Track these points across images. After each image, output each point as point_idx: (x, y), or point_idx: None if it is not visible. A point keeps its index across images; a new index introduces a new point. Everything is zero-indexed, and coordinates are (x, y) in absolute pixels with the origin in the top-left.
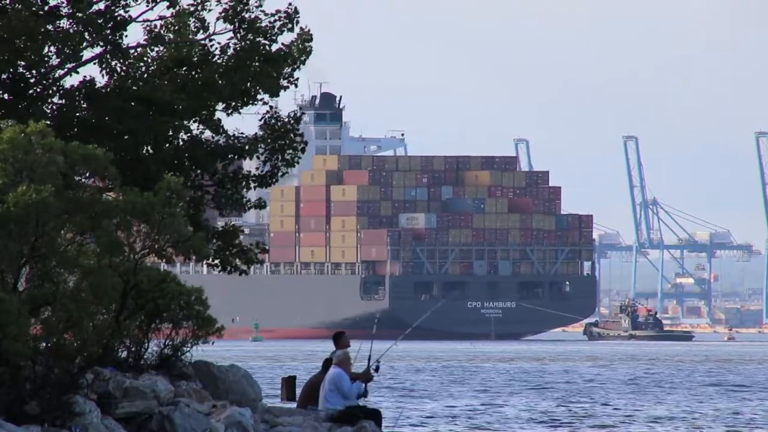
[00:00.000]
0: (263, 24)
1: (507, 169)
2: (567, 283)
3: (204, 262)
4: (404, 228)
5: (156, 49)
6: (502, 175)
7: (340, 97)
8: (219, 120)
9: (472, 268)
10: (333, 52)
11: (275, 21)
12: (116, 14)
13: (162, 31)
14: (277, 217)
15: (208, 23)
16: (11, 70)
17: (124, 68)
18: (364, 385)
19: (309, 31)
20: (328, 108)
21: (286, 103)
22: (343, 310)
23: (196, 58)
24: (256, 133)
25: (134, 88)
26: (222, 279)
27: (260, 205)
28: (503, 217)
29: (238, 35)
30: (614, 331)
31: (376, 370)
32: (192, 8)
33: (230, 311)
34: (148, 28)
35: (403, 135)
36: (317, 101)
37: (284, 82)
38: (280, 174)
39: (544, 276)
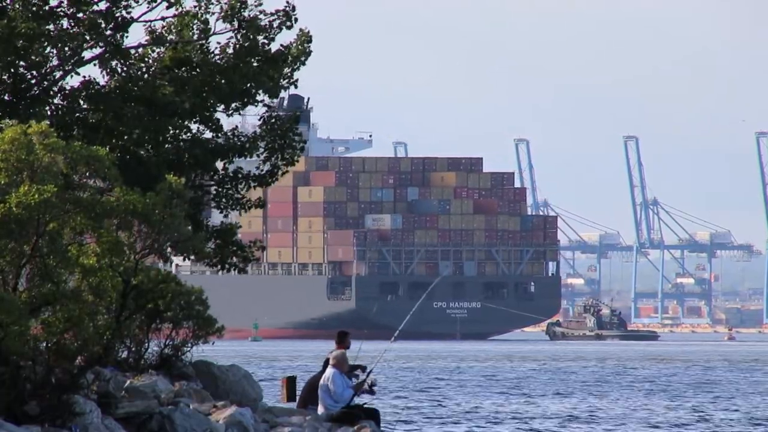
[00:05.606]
0: (262, 23)
1: (472, 171)
2: (532, 283)
3: (198, 261)
4: (370, 229)
5: (156, 50)
6: (467, 177)
7: (308, 98)
8: (218, 120)
9: (438, 269)
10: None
11: (274, 20)
12: (117, 15)
13: (164, 32)
14: (245, 217)
15: (210, 27)
16: (12, 70)
17: (124, 69)
18: (354, 392)
19: (308, 32)
20: (296, 109)
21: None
22: (310, 311)
23: (196, 58)
24: (255, 131)
25: (135, 88)
26: (192, 279)
27: (261, 203)
28: (468, 218)
29: (238, 35)
30: (579, 331)
31: (371, 391)
32: (194, 10)
33: None
34: (149, 29)
35: (371, 136)
36: (285, 102)
37: (284, 83)
38: (279, 173)
39: (509, 276)
